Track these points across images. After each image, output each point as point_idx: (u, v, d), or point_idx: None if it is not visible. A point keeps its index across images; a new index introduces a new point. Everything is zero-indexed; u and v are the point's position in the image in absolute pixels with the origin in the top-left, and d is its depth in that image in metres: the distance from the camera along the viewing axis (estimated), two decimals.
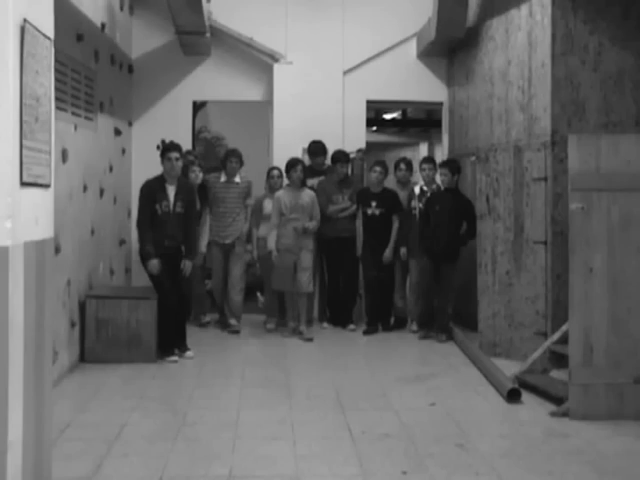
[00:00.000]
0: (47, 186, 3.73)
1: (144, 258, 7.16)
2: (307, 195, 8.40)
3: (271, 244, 8.35)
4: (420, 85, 9.77)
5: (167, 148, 7.32)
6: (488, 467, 4.56)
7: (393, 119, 15.18)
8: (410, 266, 8.74)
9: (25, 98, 3.34)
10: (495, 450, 4.86)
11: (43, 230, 3.69)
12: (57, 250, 6.05)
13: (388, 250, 8.51)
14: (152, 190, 7.17)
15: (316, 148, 8.94)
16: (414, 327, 8.70)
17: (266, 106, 9.90)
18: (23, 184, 3.35)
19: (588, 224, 5.55)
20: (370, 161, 9.10)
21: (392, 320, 8.89)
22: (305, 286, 8.32)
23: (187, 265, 7.31)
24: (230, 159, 8.54)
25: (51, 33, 3.74)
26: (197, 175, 8.17)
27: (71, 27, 6.60)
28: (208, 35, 8.92)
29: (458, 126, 9.36)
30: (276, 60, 9.47)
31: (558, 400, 5.77)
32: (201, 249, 8.33)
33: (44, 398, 3.74)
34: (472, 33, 8.61)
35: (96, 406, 5.66)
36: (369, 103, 9.83)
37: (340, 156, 8.77)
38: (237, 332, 8.45)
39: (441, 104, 9.94)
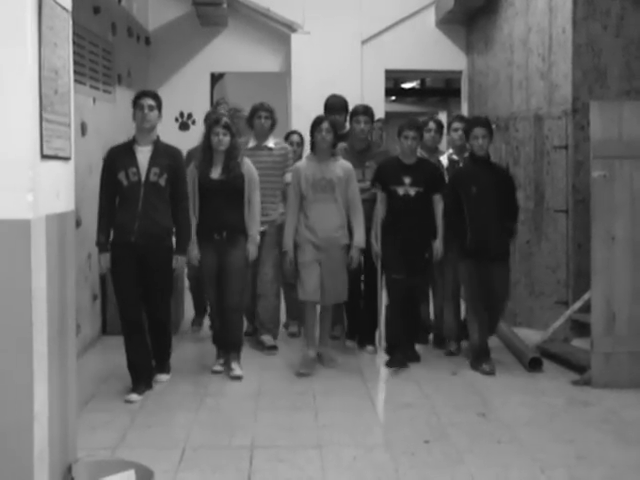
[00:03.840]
0: (68, 159, 3.72)
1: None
2: (340, 167, 6.03)
3: (287, 241, 6.06)
4: (439, 54, 9.68)
5: (138, 95, 5.46)
6: (510, 436, 4.57)
7: (412, 88, 15.07)
8: (444, 266, 6.47)
9: (44, 71, 3.33)
10: (517, 419, 4.87)
11: (64, 203, 3.69)
12: (78, 224, 6.07)
13: (438, 241, 6.14)
14: (114, 156, 5.39)
15: (335, 102, 7.00)
16: (453, 347, 6.45)
17: (284, 77, 9.85)
18: (44, 157, 3.34)
19: (610, 192, 5.50)
20: (392, 131, 7.33)
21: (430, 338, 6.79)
22: (339, 295, 6.07)
23: (179, 262, 5.45)
24: (258, 114, 6.68)
25: (69, 5, 3.72)
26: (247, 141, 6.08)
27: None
28: (225, 6, 8.85)
29: (477, 95, 9.27)
30: (294, 30, 9.40)
31: (580, 369, 5.75)
32: (254, 235, 5.89)
33: (68, 370, 3.76)
34: (491, 0, 8.50)
35: (118, 378, 5.70)
36: (388, 72, 9.76)
37: (359, 109, 6.63)
38: (274, 348, 6.54)
39: (460, 73, 9.85)
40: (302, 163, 6.20)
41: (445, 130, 7.10)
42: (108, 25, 7.37)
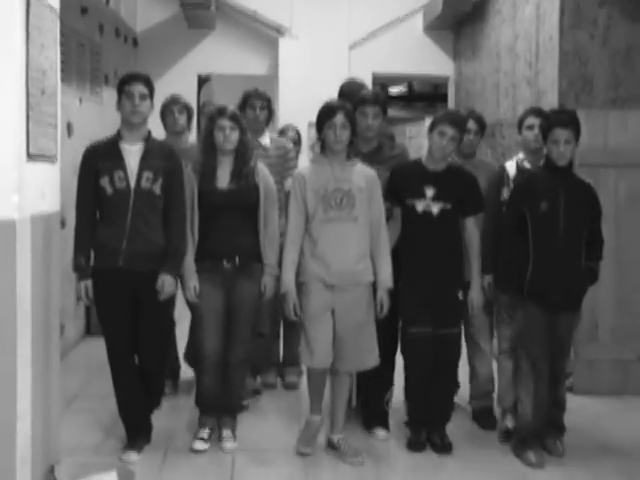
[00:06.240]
0: (53, 159, 3.72)
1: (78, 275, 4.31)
2: (360, 174, 4.30)
3: (287, 278, 4.26)
4: (426, 59, 9.74)
5: (126, 79, 4.24)
6: (492, 441, 4.60)
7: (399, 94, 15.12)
8: (499, 309, 4.84)
9: (31, 71, 3.33)
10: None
11: (50, 204, 3.70)
12: (62, 224, 6.04)
13: (475, 290, 4.52)
14: (94, 157, 4.16)
15: (353, 89, 5.04)
16: (508, 423, 4.69)
17: (271, 80, 9.84)
18: (29, 157, 3.34)
19: None
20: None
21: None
22: (362, 357, 4.29)
23: (166, 283, 4.11)
24: (252, 102, 5.34)
25: (57, 6, 3.72)
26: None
27: (75, 0, 6.56)
28: (213, 8, 8.86)
29: (464, 101, 9.30)
30: (281, 34, 9.41)
31: None
32: (272, 264, 4.44)
33: (52, 370, 3.76)
34: (479, 7, 8.54)
35: (102, 378, 5.62)
36: (375, 77, 9.79)
37: (367, 98, 4.67)
38: (257, 393, 5.38)
39: (447, 78, 9.90)
40: (306, 169, 4.43)
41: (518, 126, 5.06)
42: (96, 26, 7.35)
